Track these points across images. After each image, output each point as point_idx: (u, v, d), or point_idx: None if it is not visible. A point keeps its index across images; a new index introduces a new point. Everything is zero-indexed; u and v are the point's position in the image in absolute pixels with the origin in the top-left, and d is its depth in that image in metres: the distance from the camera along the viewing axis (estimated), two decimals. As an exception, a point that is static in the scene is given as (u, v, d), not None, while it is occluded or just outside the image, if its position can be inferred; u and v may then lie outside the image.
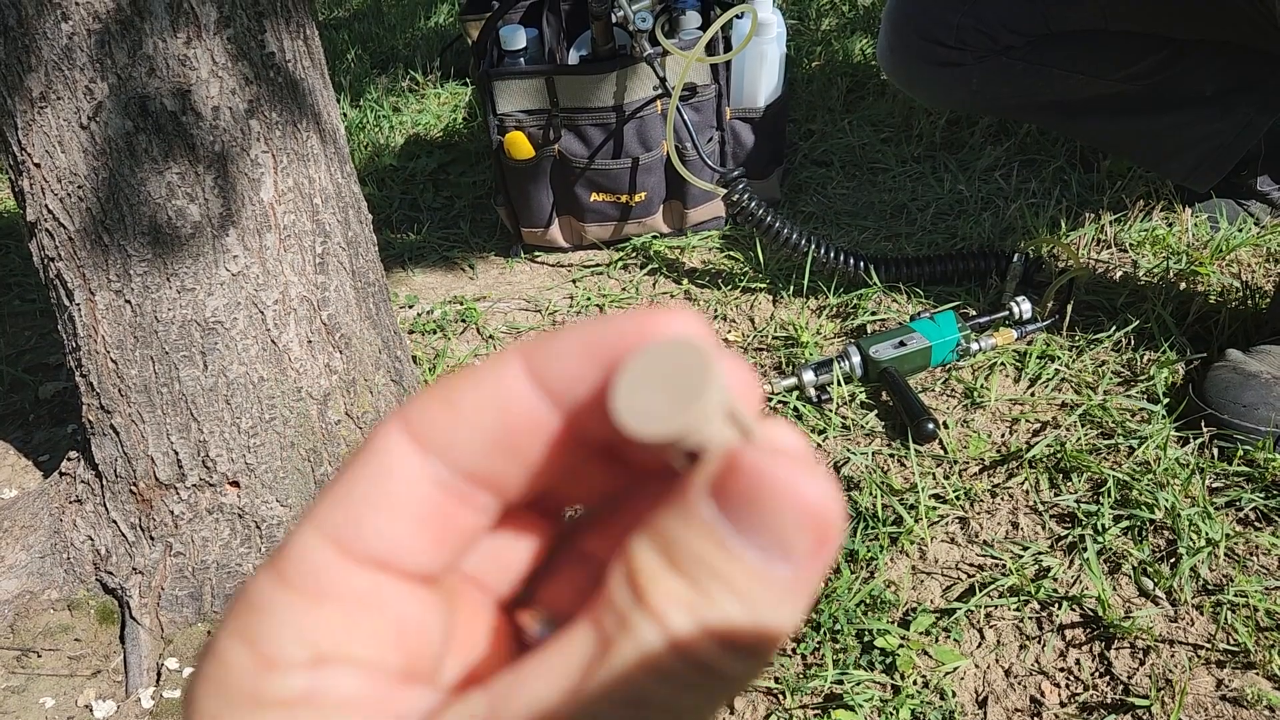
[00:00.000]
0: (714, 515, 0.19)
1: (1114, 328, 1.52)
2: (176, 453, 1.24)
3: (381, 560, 0.22)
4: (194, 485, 1.25)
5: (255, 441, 1.25)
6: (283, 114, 1.16)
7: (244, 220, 1.16)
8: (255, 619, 0.22)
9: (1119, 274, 1.65)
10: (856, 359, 1.49)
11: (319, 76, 1.24)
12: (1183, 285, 1.59)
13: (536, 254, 1.98)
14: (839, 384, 1.48)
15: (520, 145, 1.76)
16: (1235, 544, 1.20)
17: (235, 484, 1.26)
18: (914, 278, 1.66)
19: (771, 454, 0.19)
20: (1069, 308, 1.54)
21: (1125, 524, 1.24)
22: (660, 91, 1.72)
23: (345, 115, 2.57)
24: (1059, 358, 1.50)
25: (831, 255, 1.66)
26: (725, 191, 1.66)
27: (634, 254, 1.91)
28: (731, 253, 1.88)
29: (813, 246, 1.65)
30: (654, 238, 1.93)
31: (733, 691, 0.20)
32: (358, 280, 1.32)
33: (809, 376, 1.48)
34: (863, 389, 1.50)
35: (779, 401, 1.49)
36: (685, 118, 1.67)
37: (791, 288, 1.73)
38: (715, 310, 1.73)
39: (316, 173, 1.22)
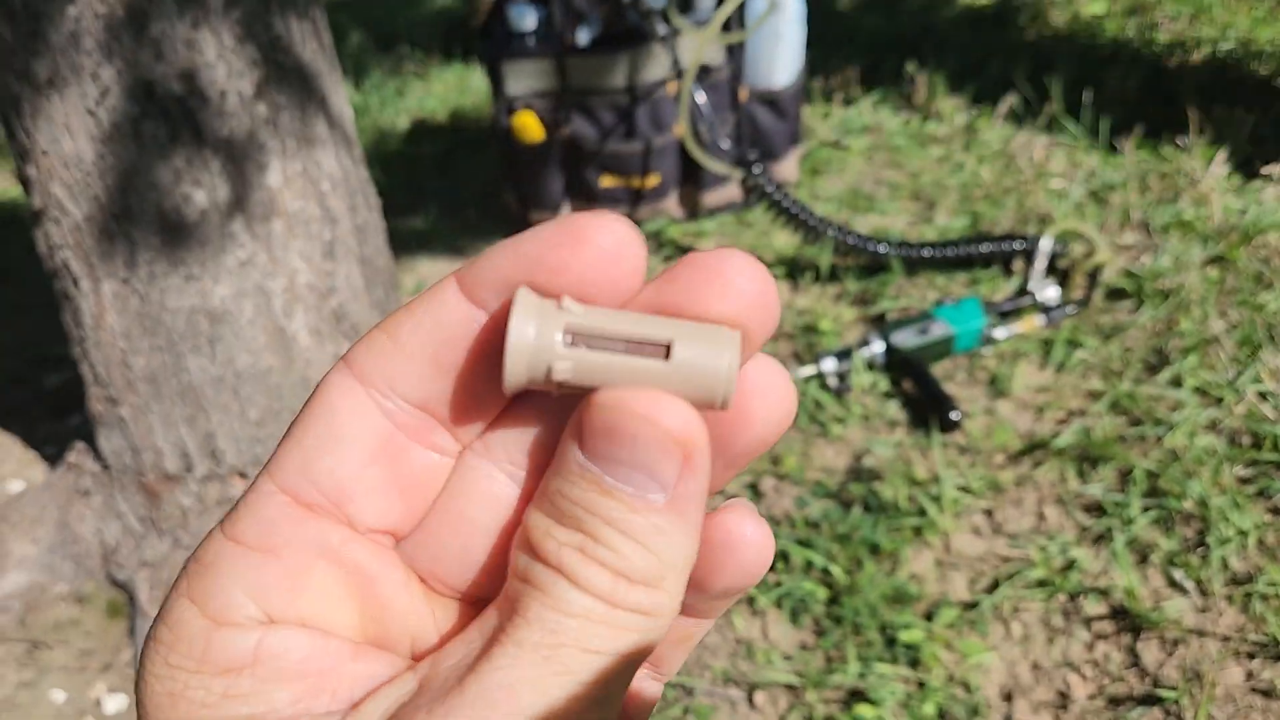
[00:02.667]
0: (582, 459, 0.20)
1: (1141, 313, 1.49)
2: (184, 444, 1.21)
3: (335, 500, 0.21)
4: (202, 477, 1.23)
5: (263, 432, 1.23)
6: (290, 98, 1.14)
7: (251, 206, 1.13)
8: (205, 577, 0.21)
9: (1145, 258, 1.62)
10: (878, 347, 1.46)
11: (326, 60, 1.21)
12: (1211, 271, 1.56)
13: (547, 239, 1.95)
14: (860, 372, 1.45)
15: (530, 128, 1.73)
16: (1265, 534, 1.18)
17: (243, 475, 1.24)
18: (936, 262, 1.63)
19: (622, 389, 0.20)
20: (1095, 293, 1.51)
21: (1154, 514, 1.22)
22: (674, 72, 1.69)
23: (350, 99, 2.54)
24: (1085, 344, 1.47)
25: (851, 240, 1.62)
26: (741, 174, 1.62)
27: (647, 240, 1.89)
28: (748, 237, 1.85)
29: (832, 231, 1.62)
30: (668, 223, 1.90)
31: (651, 627, 0.20)
32: (366, 267, 1.29)
33: (829, 365, 1.45)
34: (884, 377, 1.47)
35: (799, 391, 1.47)
36: (699, 99, 1.64)
37: (810, 274, 1.70)
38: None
39: (324, 158, 1.20)
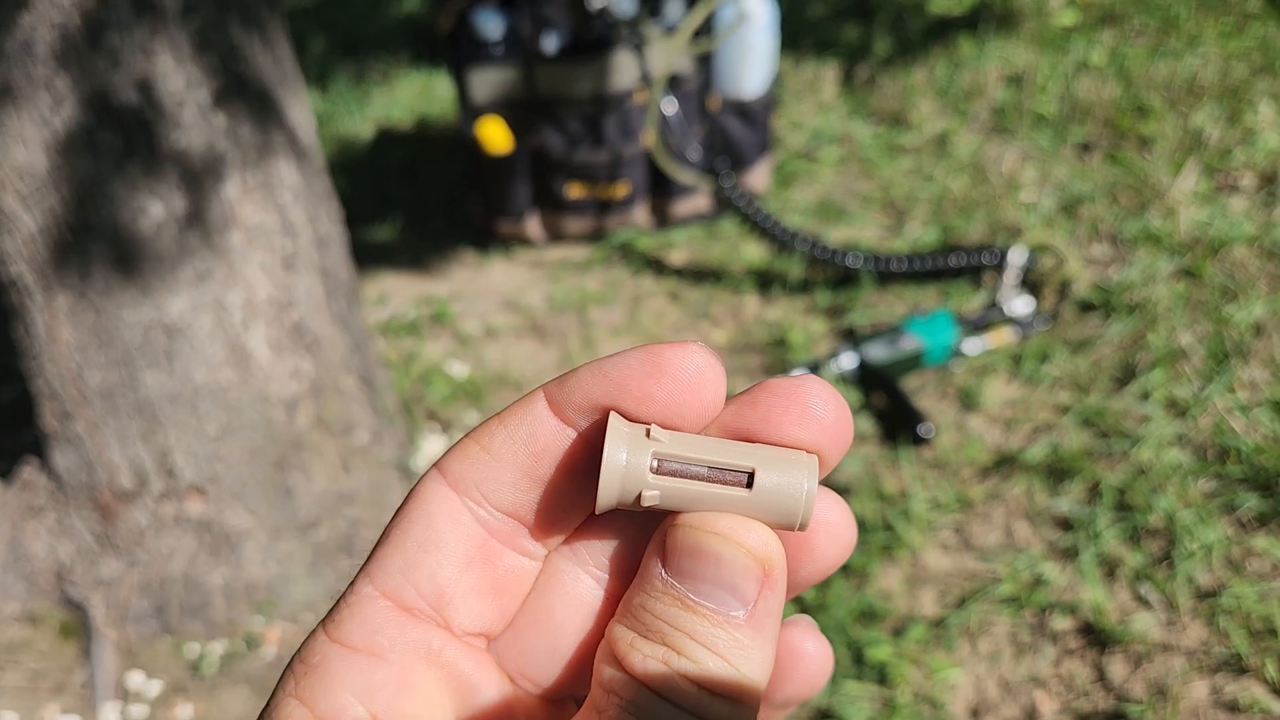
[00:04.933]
0: (666, 576, 0.21)
1: (1110, 326, 1.50)
2: (140, 460, 1.18)
3: (434, 604, 0.22)
4: (158, 494, 1.20)
5: (221, 449, 1.20)
6: (249, 108, 1.11)
7: (208, 218, 1.10)
8: (312, 678, 0.21)
9: (1114, 270, 1.62)
10: (848, 360, 1.45)
11: (286, 69, 1.18)
12: (1179, 283, 1.57)
13: (513, 249, 1.93)
14: (828, 385, 1.45)
15: (496, 137, 1.71)
16: (1230, 548, 1.18)
17: (200, 492, 1.21)
18: (907, 274, 1.63)
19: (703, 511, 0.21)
20: (1064, 306, 1.51)
21: (1121, 528, 1.22)
22: (642, 81, 1.68)
23: (312, 106, 2.50)
24: (1055, 358, 1.47)
25: (822, 251, 1.62)
26: (710, 184, 1.61)
27: (615, 250, 1.87)
28: (717, 248, 1.83)
29: (802, 242, 1.61)
30: (637, 233, 1.88)
31: None
32: (327, 279, 1.27)
33: (798, 377, 1.44)
34: (855, 391, 1.47)
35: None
36: (668, 108, 1.63)
37: (780, 285, 1.69)
38: (700, 309, 1.69)
39: (284, 168, 1.17)
